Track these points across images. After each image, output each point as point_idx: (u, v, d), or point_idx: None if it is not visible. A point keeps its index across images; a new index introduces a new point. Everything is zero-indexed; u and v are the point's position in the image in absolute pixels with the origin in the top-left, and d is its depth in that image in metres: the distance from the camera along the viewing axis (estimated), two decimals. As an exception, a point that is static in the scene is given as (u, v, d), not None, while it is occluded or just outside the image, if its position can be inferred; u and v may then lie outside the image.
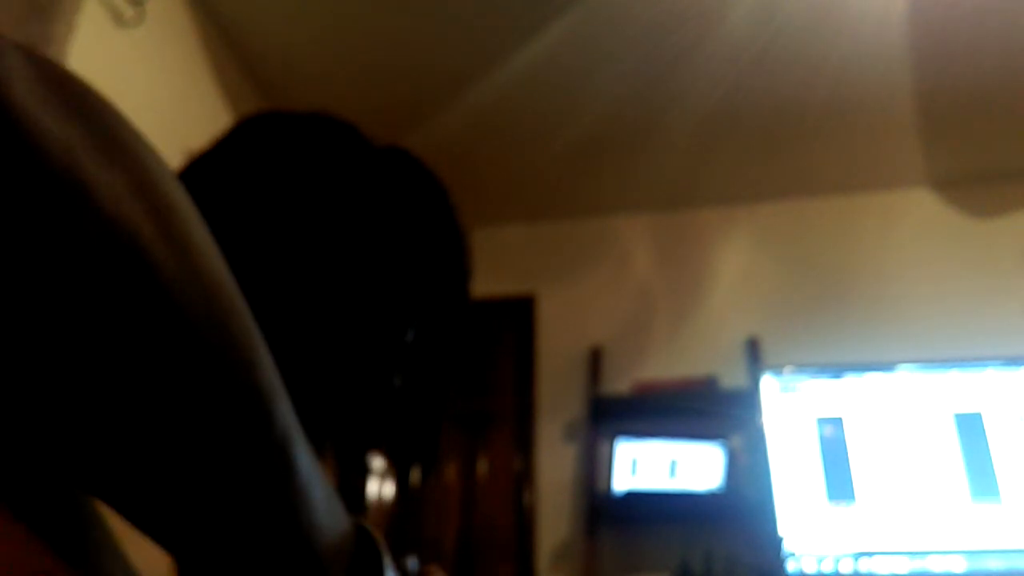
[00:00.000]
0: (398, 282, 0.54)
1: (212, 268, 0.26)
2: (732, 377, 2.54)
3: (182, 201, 0.26)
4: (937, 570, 2.01)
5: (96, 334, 0.22)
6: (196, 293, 0.24)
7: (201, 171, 0.53)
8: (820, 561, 2.06)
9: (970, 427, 2.15)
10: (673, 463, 2.34)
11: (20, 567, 0.24)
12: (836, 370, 2.30)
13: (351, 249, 0.52)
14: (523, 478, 2.62)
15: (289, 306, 0.49)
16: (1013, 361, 2.24)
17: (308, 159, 0.54)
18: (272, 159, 0.53)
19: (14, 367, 0.22)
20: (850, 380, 2.28)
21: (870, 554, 2.05)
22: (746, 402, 2.36)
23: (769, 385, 2.31)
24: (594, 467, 2.49)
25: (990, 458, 2.10)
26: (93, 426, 0.23)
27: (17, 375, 0.22)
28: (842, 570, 2.04)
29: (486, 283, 2.74)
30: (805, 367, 2.33)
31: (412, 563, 2.11)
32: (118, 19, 1.76)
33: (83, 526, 0.28)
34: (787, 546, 2.08)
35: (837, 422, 2.22)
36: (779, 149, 2.62)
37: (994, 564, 1.99)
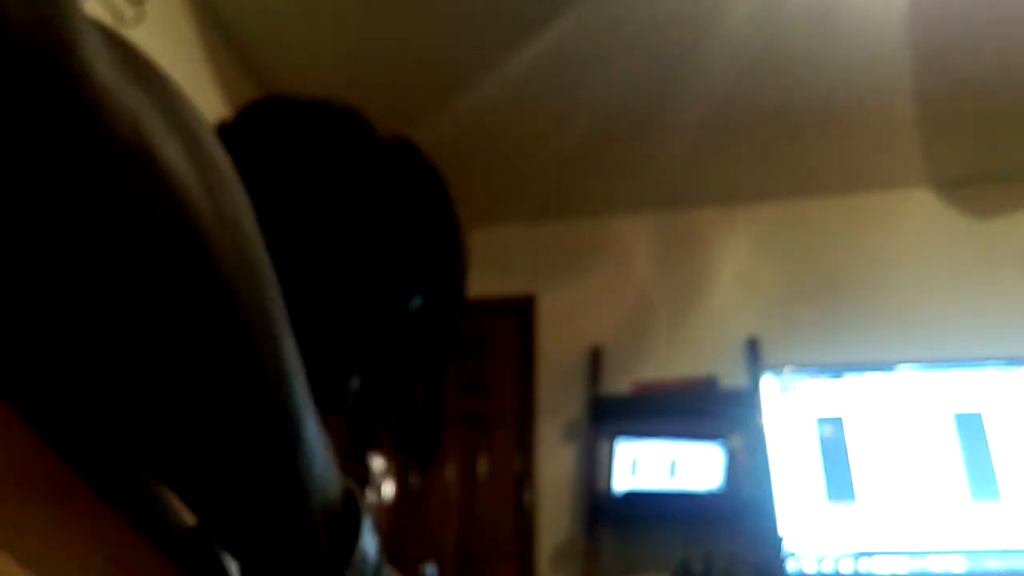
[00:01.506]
0: (396, 263, 0.56)
1: (253, 242, 0.28)
2: (732, 377, 2.54)
3: (231, 174, 0.28)
4: (937, 570, 2.01)
5: (147, 297, 0.24)
6: (239, 265, 0.26)
7: None
8: (820, 561, 2.06)
9: (970, 427, 2.15)
10: (673, 463, 2.34)
11: (107, 541, 0.28)
12: (836, 370, 2.30)
13: (353, 229, 0.54)
14: (523, 478, 2.62)
15: (295, 284, 0.50)
16: (1013, 361, 2.24)
17: (310, 142, 0.55)
18: (276, 142, 0.55)
19: (69, 330, 0.24)
20: (850, 380, 2.28)
21: (870, 554, 2.05)
22: (746, 402, 2.36)
23: (769, 385, 2.31)
24: (594, 467, 2.49)
25: (990, 458, 2.10)
26: (138, 388, 0.25)
27: (72, 339, 0.24)
28: (842, 570, 2.04)
29: (486, 283, 2.75)
30: (805, 367, 2.33)
31: (431, 569, 2.11)
32: (118, 19, 1.76)
33: (140, 483, 0.31)
34: (787, 546, 2.08)
35: (837, 422, 2.22)
36: (779, 149, 2.62)
37: (994, 564, 1.99)
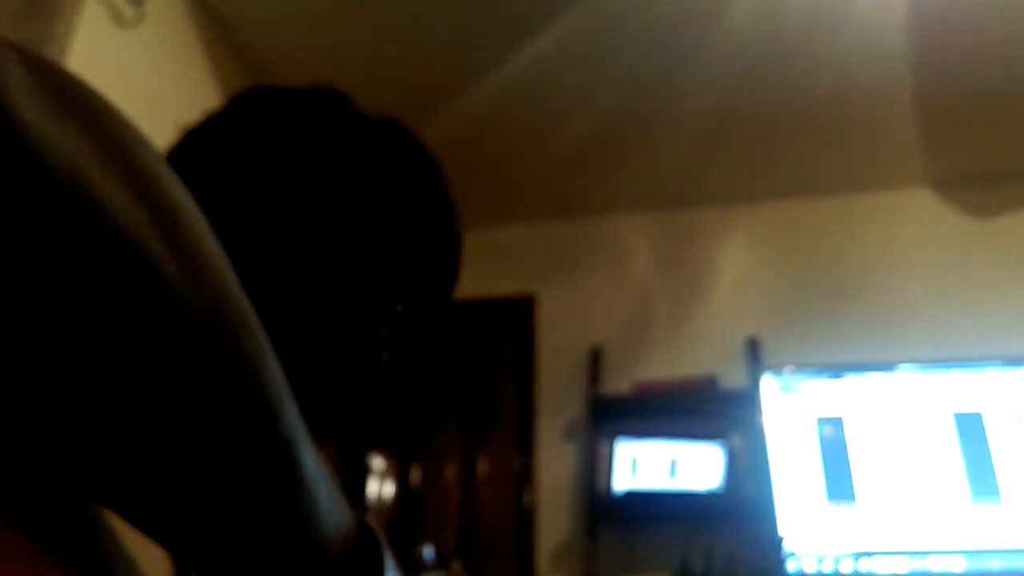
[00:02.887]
0: (390, 249, 0.55)
1: (218, 274, 0.26)
2: (732, 377, 2.54)
3: (187, 205, 0.26)
4: (937, 570, 2.01)
5: (104, 342, 0.22)
6: (202, 300, 0.24)
7: (195, 144, 0.53)
8: (820, 561, 2.06)
9: (970, 427, 2.15)
10: (673, 463, 2.34)
11: None
12: (836, 370, 2.30)
13: (343, 218, 0.52)
14: (523, 478, 2.62)
15: (282, 277, 0.49)
16: (1013, 361, 2.24)
17: (299, 131, 0.54)
18: (264, 131, 0.54)
19: (21, 375, 0.22)
20: (850, 380, 2.28)
21: (870, 554, 2.05)
22: (746, 402, 2.36)
23: (769, 385, 2.31)
24: (594, 467, 2.49)
25: (990, 458, 2.10)
26: (103, 434, 0.23)
27: (24, 383, 0.22)
28: (842, 570, 2.04)
29: (486, 283, 2.75)
30: (805, 367, 2.33)
31: (428, 551, 2.10)
32: (118, 19, 1.76)
33: (91, 536, 0.29)
34: (787, 546, 2.08)
35: (837, 422, 2.22)
36: (779, 149, 2.62)
37: (994, 564, 1.99)
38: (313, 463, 0.29)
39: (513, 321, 2.86)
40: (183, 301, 0.24)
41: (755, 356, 2.54)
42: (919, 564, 2.02)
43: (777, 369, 2.34)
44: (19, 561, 0.25)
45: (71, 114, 0.23)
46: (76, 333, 0.22)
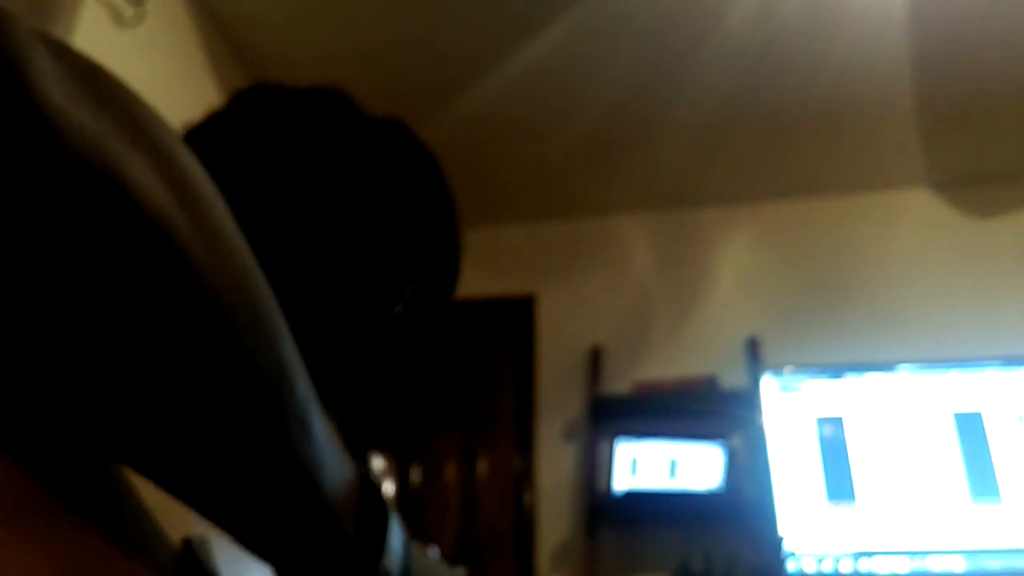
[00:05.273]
0: (391, 246, 0.55)
1: (238, 251, 0.27)
2: (732, 377, 2.54)
3: (205, 183, 0.27)
4: (937, 570, 2.01)
5: (134, 317, 0.23)
6: (225, 275, 0.26)
7: (197, 142, 0.54)
8: (820, 561, 2.06)
9: (970, 427, 2.15)
10: (673, 463, 2.34)
11: (79, 554, 0.26)
12: (836, 370, 2.30)
13: (345, 216, 0.53)
14: (523, 478, 2.62)
15: (288, 271, 0.49)
16: (1013, 361, 2.24)
17: (302, 128, 0.54)
18: (268, 129, 0.54)
19: (56, 348, 0.23)
20: (850, 380, 2.28)
21: (870, 554, 2.05)
22: (746, 402, 2.36)
23: (769, 385, 2.31)
24: (594, 467, 2.49)
25: (990, 458, 2.10)
26: (130, 399, 0.25)
27: (57, 355, 0.23)
28: (842, 570, 2.04)
29: (486, 283, 2.75)
30: (805, 367, 2.33)
31: (433, 553, 2.10)
32: (118, 19, 1.76)
33: (111, 493, 0.30)
34: (787, 546, 2.08)
35: (837, 422, 2.22)
36: (779, 149, 2.62)
37: (994, 564, 1.99)
38: (322, 426, 0.31)
39: (513, 321, 2.86)
40: (210, 277, 0.25)
41: (755, 356, 2.54)
42: (919, 564, 2.02)
43: (777, 369, 2.34)
44: (48, 516, 0.26)
45: (99, 99, 0.24)
46: (107, 308, 0.23)
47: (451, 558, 2.53)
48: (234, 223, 0.28)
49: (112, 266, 0.23)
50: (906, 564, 2.03)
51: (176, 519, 0.34)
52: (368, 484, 0.34)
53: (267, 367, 0.27)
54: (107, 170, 0.23)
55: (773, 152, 2.63)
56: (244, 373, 0.26)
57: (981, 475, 2.09)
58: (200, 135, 0.54)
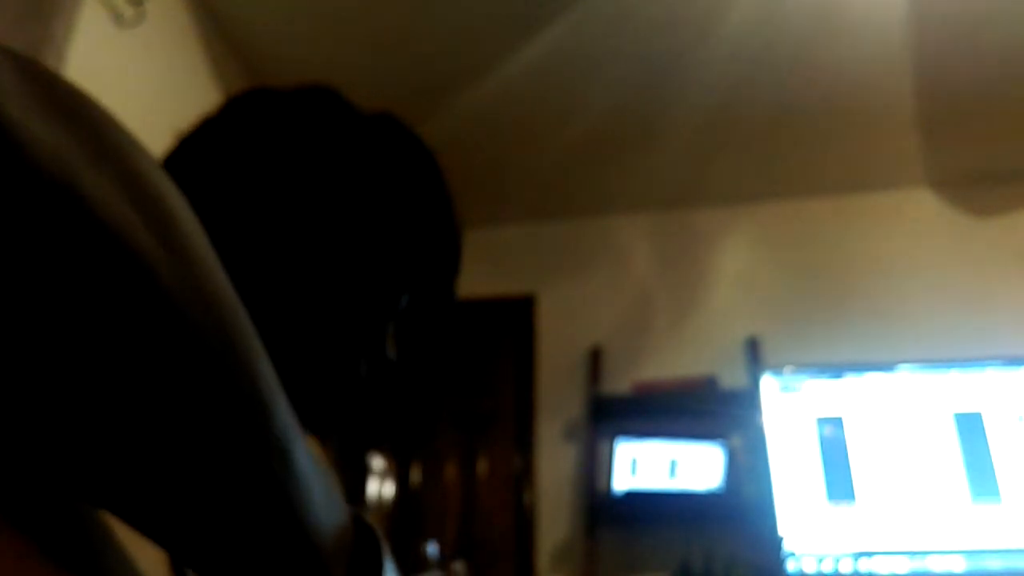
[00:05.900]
0: (390, 247, 0.55)
1: (210, 273, 0.26)
2: (732, 377, 2.54)
3: (175, 202, 0.26)
4: (937, 570, 2.01)
5: (98, 342, 0.22)
6: (194, 296, 0.24)
7: (191, 149, 0.53)
8: (820, 561, 2.06)
9: (970, 427, 2.15)
10: (673, 463, 2.34)
11: None
12: (836, 370, 2.30)
13: (343, 215, 0.52)
14: (523, 478, 2.62)
15: (285, 276, 0.49)
16: (1013, 361, 2.24)
17: (294, 130, 0.54)
18: (260, 132, 0.54)
19: (13, 375, 0.22)
20: (850, 380, 2.27)
21: (870, 554, 2.05)
22: (746, 402, 2.36)
23: (769, 385, 2.31)
24: (594, 467, 2.49)
25: (990, 458, 2.10)
26: (96, 434, 0.23)
27: (17, 383, 0.22)
28: (842, 570, 2.04)
29: (486, 283, 2.75)
30: (805, 367, 2.33)
31: (432, 548, 2.10)
32: (118, 19, 1.76)
33: (86, 535, 0.28)
34: (787, 546, 2.08)
35: (837, 422, 2.22)
36: (779, 149, 2.62)
37: (994, 564, 1.99)
38: (307, 460, 0.28)
39: (513, 321, 2.86)
40: (178, 298, 0.24)
41: (755, 356, 2.54)
42: (919, 564, 2.02)
43: (777, 369, 2.34)
44: (18, 558, 0.24)
45: (60, 114, 0.23)
46: (69, 333, 0.22)
47: (451, 558, 2.54)
48: (208, 244, 0.27)
49: (72, 284, 0.22)
50: (906, 564, 2.03)
51: (159, 563, 0.32)
52: (362, 526, 0.32)
53: (242, 396, 0.25)
54: (65, 185, 0.22)
55: (773, 152, 2.63)
56: (216, 403, 0.24)
57: (981, 475, 2.09)
58: (194, 142, 0.54)
